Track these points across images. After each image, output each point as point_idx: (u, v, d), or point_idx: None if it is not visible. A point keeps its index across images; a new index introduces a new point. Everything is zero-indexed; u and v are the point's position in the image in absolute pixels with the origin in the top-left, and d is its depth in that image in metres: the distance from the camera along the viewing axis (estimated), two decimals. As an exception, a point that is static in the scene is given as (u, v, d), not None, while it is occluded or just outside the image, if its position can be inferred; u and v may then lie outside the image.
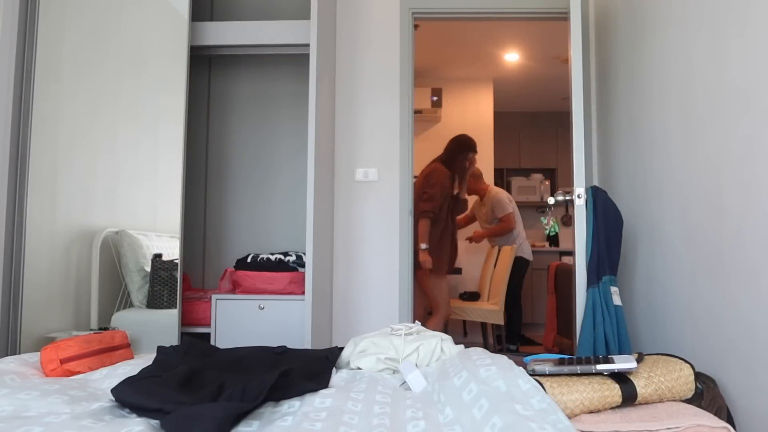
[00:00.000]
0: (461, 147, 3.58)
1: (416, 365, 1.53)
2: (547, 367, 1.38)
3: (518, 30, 4.60)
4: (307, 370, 1.39)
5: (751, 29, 1.57)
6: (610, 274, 2.20)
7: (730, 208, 1.67)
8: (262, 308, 2.40)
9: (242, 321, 2.41)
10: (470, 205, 4.61)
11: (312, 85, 2.42)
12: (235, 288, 2.49)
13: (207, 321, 2.49)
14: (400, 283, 2.98)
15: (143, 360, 1.61)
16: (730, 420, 1.53)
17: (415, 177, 3.26)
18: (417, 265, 3.41)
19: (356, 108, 3.08)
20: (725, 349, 1.69)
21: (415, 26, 3.41)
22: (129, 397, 1.15)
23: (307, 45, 2.59)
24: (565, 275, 3.87)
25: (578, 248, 2.25)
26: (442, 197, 3.37)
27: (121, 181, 2.45)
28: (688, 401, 1.41)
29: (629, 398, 1.32)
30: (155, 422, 1.08)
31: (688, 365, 1.44)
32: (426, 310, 3.86)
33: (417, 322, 1.74)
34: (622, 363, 1.35)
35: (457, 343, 1.66)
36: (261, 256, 2.52)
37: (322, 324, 2.63)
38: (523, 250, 4.36)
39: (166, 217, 2.46)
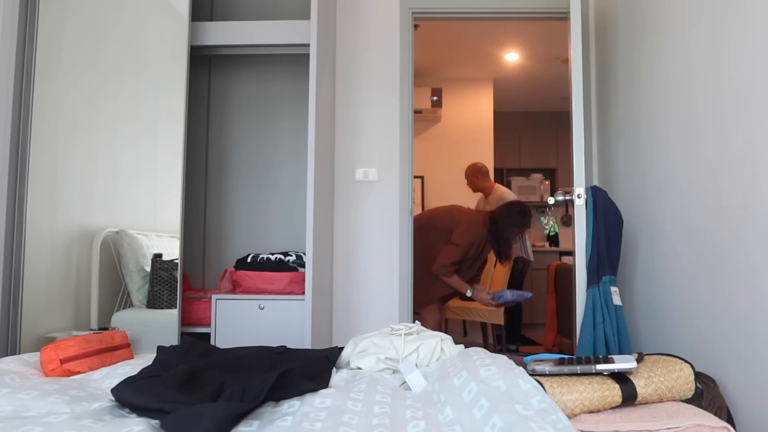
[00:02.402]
0: (518, 219, 3.20)
1: (416, 365, 1.53)
2: (547, 367, 1.38)
3: (518, 30, 4.60)
4: (307, 370, 1.39)
5: (751, 29, 1.57)
6: (610, 274, 2.20)
7: (729, 208, 1.67)
8: (262, 308, 2.40)
9: (242, 321, 2.41)
10: (475, 203, 4.62)
11: (312, 85, 2.42)
12: (235, 288, 2.49)
13: (207, 321, 2.49)
14: (400, 283, 2.98)
15: (143, 360, 1.61)
16: (730, 420, 1.53)
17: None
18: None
19: (356, 108, 3.07)
20: (725, 349, 1.69)
21: (415, 26, 3.41)
22: (129, 397, 1.15)
23: (307, 45, 2.59)
24: (565, 275, 3.87)
25: (578, 248, 2.25)
26: (464, 258, 3.12)
27: (121, 181, 2.45)
28: (688, 401, 1.41)
29: (629, 398, 1.32)
30: (155, 422, 1.08)
31: (688, 365, 1.44)
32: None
33: (417, 321, 1.74)
34: (622, 363, 1.35)
35: (457, 343, 1.65)
36: (261, 256, 2.51)
37: (322, 324, 2.63)
38: (523, 251, 4.36)
39: (166, 217, 2.46)
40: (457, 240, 3.11)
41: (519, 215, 3.21)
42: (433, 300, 3.25)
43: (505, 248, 3.23)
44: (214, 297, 2.42)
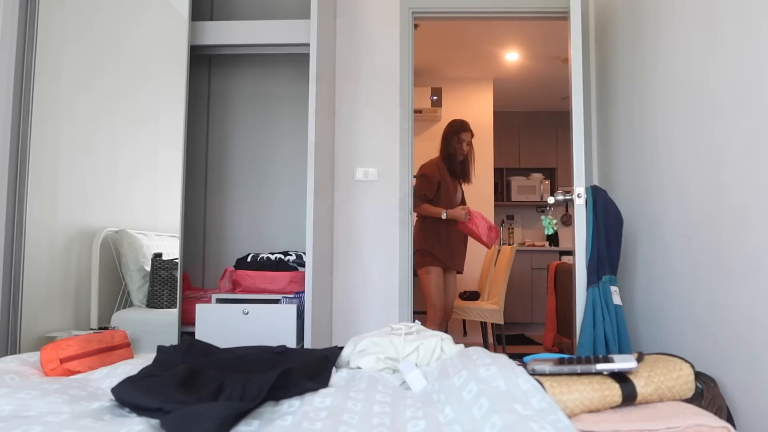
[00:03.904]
0: (450, 131, 3.54)
1: (416, 365, 1.53)
2: (547, 367, 1.38)
3: (518, 30, 4.60)
4: (307, 370, 1.39)
5: (751, 28, 1.57)
6: (610, 273, 2.20)
7: (730, 207, 1.67)
8: (247, 313, 2.32)
9: (235, 323, 2.41)
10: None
11: (312, 85, 2.42)
12: (235, 287, 2.48)
13: (207, 320, 2.48)
14: (400, 283, 2.98)
15: (143, 359, 1.61)
16: (730, 420, 1.53)
17: (415, 177, 3.26)
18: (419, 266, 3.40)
19: (356, 108, 3.07)
20: (725, 348, 1.69)
21: (415, 26, 3.41)
22: (129, 396, 1.15)
23: (307, 45, 2.59)
24: (565, 275, 3.87)
25: (578, 248, 2.25)
26: (427, 186, 3.37)
27: (121, 180, 2.45)
28: (688, 401, 1.41)
29: (629, 398, 1.32)
30: (155, 422, 1.08)
31: (688, 365, 1.44)
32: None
33: (417, 321, 1.74)
34: (622, 362, 1.35)
35: (457, 343, 1.66)
36: (261, 256, 2.51)
37: (322, 324, 2.62)
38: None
39: (166, 217, 2.46)
40: (416, 177, 3.36)
41: (450, 125, 3.54)
42: (429, 271, 3.36)
43: (460, 167, 3.53)
44: (213, 296, 2.42)
